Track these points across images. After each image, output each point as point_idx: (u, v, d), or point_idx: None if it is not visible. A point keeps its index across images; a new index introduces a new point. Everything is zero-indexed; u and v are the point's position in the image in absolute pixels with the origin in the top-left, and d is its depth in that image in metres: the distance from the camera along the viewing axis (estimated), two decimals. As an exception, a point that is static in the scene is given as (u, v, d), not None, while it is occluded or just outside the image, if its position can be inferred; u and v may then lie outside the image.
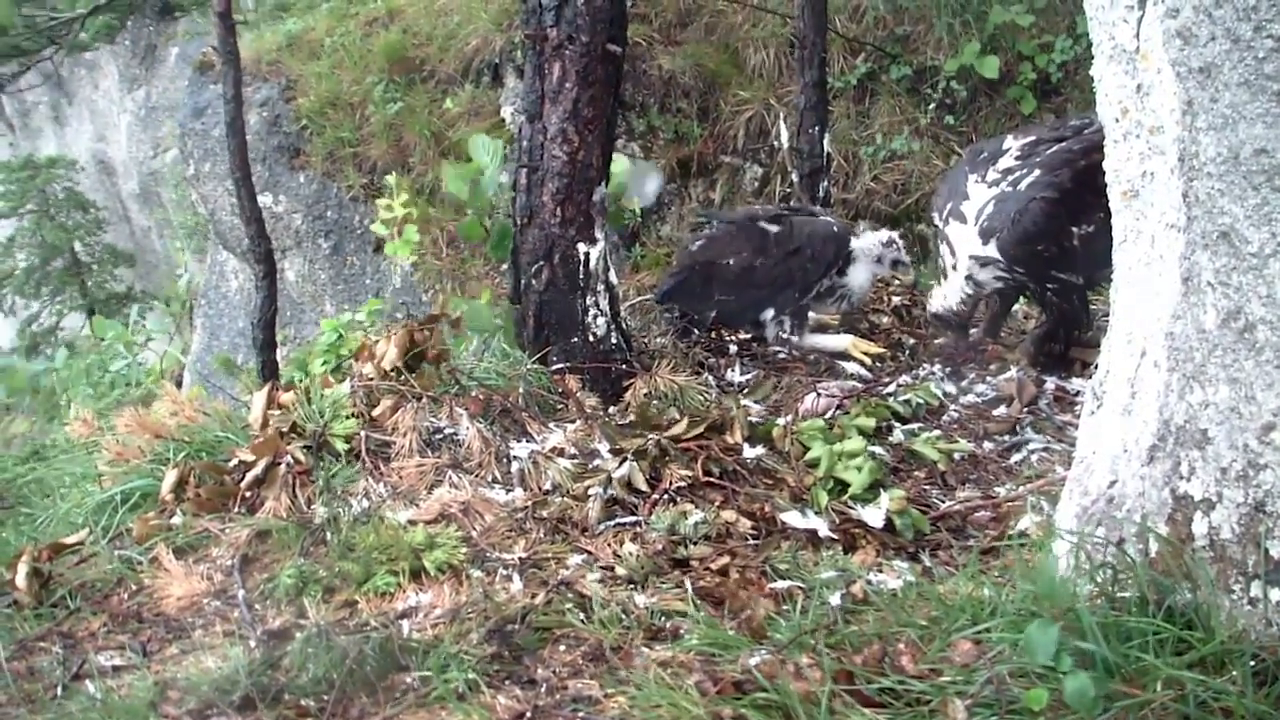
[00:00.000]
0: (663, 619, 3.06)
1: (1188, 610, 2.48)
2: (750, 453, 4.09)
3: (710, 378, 4.91)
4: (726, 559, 3.40)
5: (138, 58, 21.36)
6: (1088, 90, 3.05)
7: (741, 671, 2.58)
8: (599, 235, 4.53)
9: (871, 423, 4.44)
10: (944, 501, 4.04)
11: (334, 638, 2.79)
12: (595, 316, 4.56)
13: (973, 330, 5.32)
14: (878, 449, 4.19)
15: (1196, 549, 2.52)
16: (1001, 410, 4.67)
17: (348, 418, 3.93)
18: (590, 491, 3.71)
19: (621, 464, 3.78)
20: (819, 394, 4.67)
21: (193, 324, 15.34)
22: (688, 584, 3.25)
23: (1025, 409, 4.63)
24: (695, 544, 3.48)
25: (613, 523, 3.61)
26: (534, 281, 4.55)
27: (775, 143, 9.33)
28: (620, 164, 5.99)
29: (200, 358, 14.15)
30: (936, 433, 4.44)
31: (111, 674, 2.95)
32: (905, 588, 3.04)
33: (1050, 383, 4.77)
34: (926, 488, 4.13)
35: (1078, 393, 4.64)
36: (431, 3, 11.92)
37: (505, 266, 5.09)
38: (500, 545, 3.42)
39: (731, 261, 5.27)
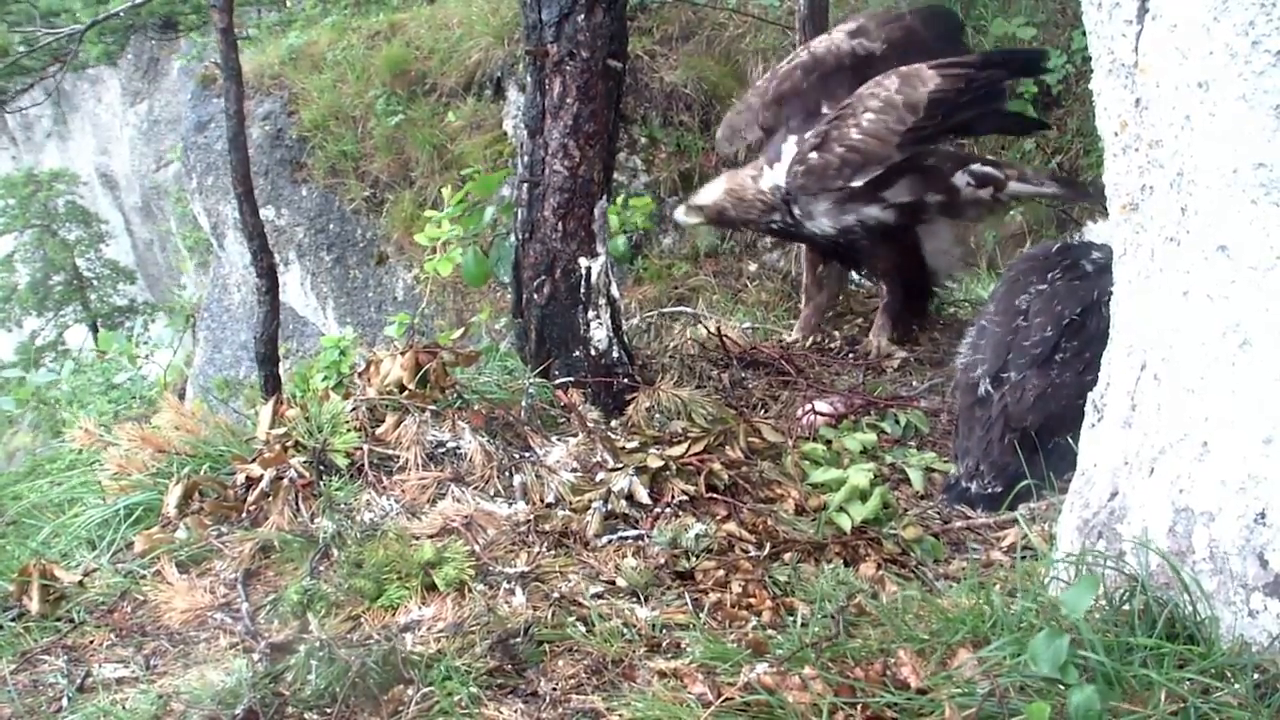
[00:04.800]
0: (664, 632, 3.06)
1: (1189, 623, 2.48)
2: (753, 466, 4.10)
3: (713, 390, 4.92)
4: (728, 572, 3.41)
5: (140, 71, 21.45)
6: (1088, 103, 3.07)
7: (743, 684, 2.58)
8: (600, 249, 4.54)
9: (873, 438, 4.46)
10: (937, 514, 4.06)
11: (336, 651, 2.79)
12: (597, 330, 4.57)
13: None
14: (871, 465, 4.20)
15: (1197, 561, 2.52)
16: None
17: (348, 432, 3.93)
18: (592, 505, 3.72)
19: (624, 478, 3.79)
20: (815, 411, 4.68)
21: (195, 337, 15.38)
22: (689, 597, 3.26)
23: None
24: (697, 557, 3.49)
25: (615, 536, 3.61)
26: (535, 296, 4.56)
27: (777, 155, 9.35)
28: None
29: (203, 370, 14.17)
30: (931, 454, 4.46)
31: (115, 687, 2.95)
32: (906, 600, 3.04)
33: None
34: (923, 501, 4.15)
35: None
36: (433, 16, 11.97)
37: (507, 280, 5.10)
38: (503, 559, 3.42)
39: None
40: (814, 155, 5.16)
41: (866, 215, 5.29)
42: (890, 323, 5.58)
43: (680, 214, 5.74)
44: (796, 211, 5.32)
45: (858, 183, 5.12)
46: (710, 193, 5.58)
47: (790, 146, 5.35)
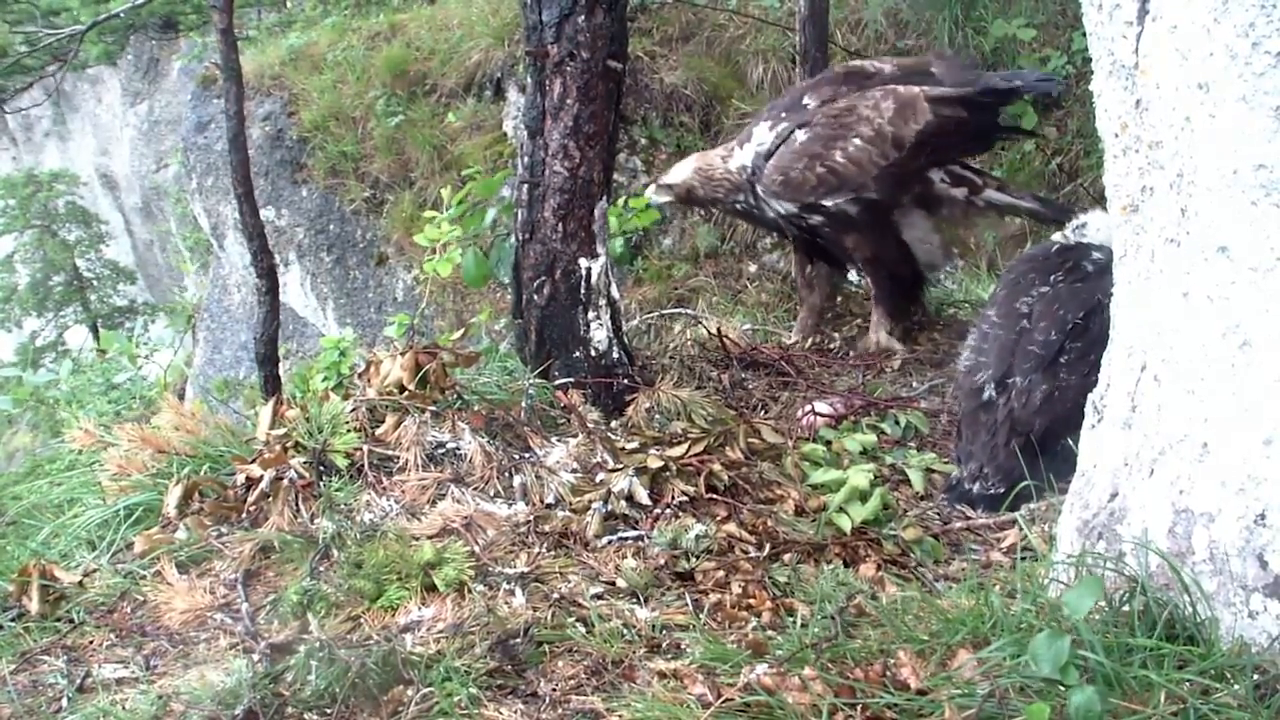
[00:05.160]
0: (664, 633, 3.06)
1: (1189, 624, 2.48)
2: (753, 467, 4.10)
3: (713, 391, 4.92)
4: (728, 573, 3.41)
5: (140, 72, 21.45)
6: (1088, 105, 3.06)
7: (743, 685, 2.58)
8: (600, 250, 4.54)
9: (873, 439, 4.46)
10: (937, 514, 4.06)
11: (336, 652, 2.79)
12: (597, 331, 4.57)
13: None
14: (871, 465, 4.20)
15: (1197, 562, 2.52)
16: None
17: (348, 432, 3.93)
18: (592, 506, 3.72)
19: (624, 479, 3.79)
20: (815, 412, 4.68)
21: (195, 337, 15.38)
22: (689, 598, 3.26)
23: None
24: (697, 558, 3.49)
25: (615, 537, 3.61)
26: (536, 296, 4.56)
27: (776, 156, 9.34)
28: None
29: (203, 371, 14.18)
30: (931, 455, 4.45)
31: (115, 687, 2.95)
32: (906, 601, 3.04)
33: None
34: (923, 502, 4.15)
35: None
36: (433, 17, 11.97)
37: (507, 281, 5.10)
38: (502, 560, 3.42)
39: None
40: (794, 172, 5.24)
41: (829, 201, 5.34)
42: (886, 316, 5.57)
43: (650, 192, 5.83)
44: (760, 190, 5.36)
45: (828, 203, 5.27)
46: (680, 171, 5.64)
47: (762, 130, 5.42)
